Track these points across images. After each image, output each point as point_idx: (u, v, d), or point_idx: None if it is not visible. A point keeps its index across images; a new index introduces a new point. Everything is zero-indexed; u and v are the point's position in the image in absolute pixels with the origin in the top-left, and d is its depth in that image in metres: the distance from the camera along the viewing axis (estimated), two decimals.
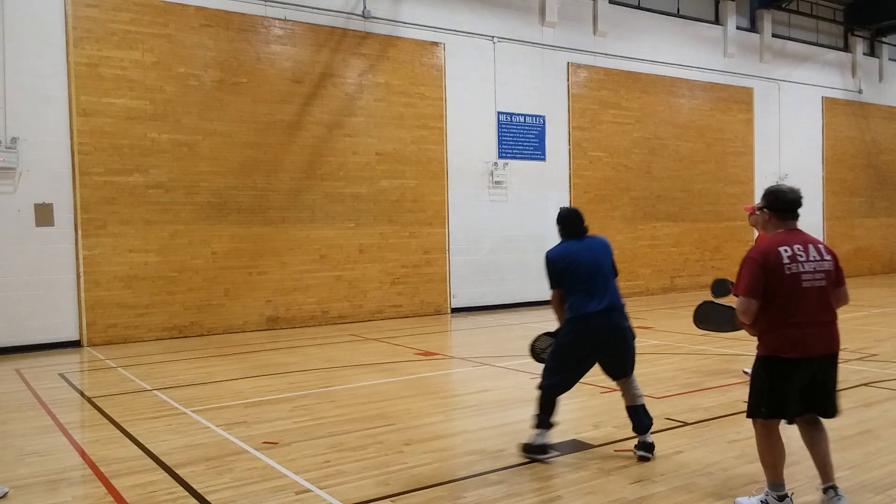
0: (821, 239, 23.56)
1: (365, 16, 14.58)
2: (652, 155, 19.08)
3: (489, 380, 8.51)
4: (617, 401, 7.15)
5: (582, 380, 8.40)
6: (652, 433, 5.46)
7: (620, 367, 5.39)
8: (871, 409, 6.58)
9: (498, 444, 5.81)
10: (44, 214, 11.74)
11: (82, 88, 11.98)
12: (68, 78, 11.89)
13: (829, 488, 4.22)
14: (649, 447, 5.33)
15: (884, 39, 24.75)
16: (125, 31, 12.33)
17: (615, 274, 5.41)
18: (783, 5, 21.65)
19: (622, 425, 6.23)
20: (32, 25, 11.67)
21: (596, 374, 8.63)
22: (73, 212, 11.96)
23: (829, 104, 23.37)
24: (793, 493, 4.36)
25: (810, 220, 22.81)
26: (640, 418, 5.38)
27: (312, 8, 14.10)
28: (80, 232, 12.00)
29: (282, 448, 5.81)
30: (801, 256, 4.09)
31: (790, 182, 21.58)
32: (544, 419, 5.41)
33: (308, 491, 4.82)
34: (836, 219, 23.58)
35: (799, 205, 4.27)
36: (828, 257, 4.17)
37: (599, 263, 5.34)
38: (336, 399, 7.62)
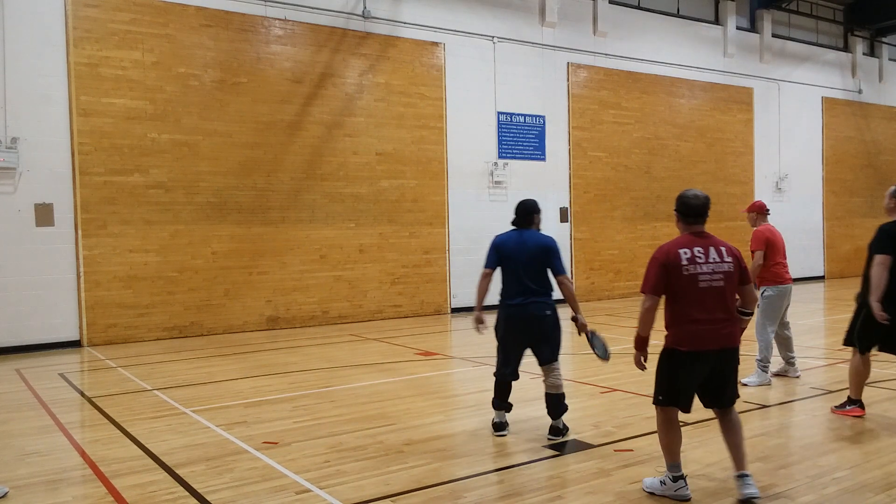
0: (823, 240, 23.71)
1: (365, 16, 14.58)
2: (652, 155, 19.09)
3: (489, 380, 8.42)
4: (616, 401, 7.19)
5: (581, 380, 8.47)
6: (652, 433, 5.53)
7: (540, 353, 5.93)
8: (870, 409, 6.57)
9: (498, 444, 5.81)
10: (44, 214, 11.74)
11: (82, 88, 11.98)
12: (68, 78, 11.89)
13: (741, 476, 4.45)
14: (557, 430, 5.91)
15: (884, 39, 24.75)
16: (125, 31, 12.33)
17: (557, 272, 5.86)
18: (783, 5, 21.66)
19: (622, 425, 6.27)
20: (33, 25, 11.67)
21: (594, 374, 8.64)
22: (74, 212, 11.96)
23: (828, 104, 23.38)
24: (687, 475, 4.62)
25: (810, 220, 22.83)
26: (558, 403, 5.93)
27: (312, 8, 14.11)
28: (80, 232, 12.00)
29: (282, 448, 5.81)
30: (699, 258, 4.37)
31: (789, 182, 21.76)
32: (496, 401, 6.13)
33: (308, 491, 4.82)
34: (837, 219, 23.59)
35: (703, 209, 4.52)
36: (728, 259, 4.42)
37: (521, 258, 5.83)
38: (336, 399, 7.63)
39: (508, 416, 6.29)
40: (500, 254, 5.93)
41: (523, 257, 5.83)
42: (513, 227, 6.05)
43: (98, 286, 12.14)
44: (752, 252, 7.80)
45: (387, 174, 14.99)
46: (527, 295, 5.83)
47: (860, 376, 6.35)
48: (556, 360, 5.96)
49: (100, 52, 12.11)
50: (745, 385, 7.64)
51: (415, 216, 15.35)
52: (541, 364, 5.97)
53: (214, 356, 10.83)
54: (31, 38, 11.65)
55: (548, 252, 5.85)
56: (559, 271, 5.85)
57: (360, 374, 9.14)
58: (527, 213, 6.02)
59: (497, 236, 6.06)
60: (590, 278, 17.94)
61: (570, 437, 5.93)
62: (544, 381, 5.97)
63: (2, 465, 5.57)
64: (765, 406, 6.95)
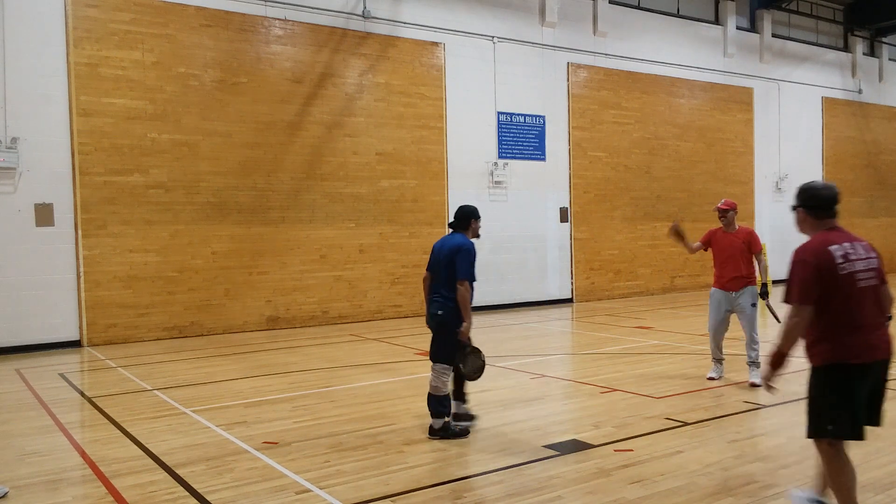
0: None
1: (365, 16, 14.60)
2: (652, 155, 19.11)
3: (489, 380, 8.46)
4: (616, 401, 7.21)
5: (581, 379, 8.52)
6: (652, 433, 5.65)
7: (432, 349, 6.26)
8: None
9: (498, 444, 5.84)
10: (44, 214, 11.76)
11: (82, 88, 12.00)
12: (68, 78, 11.91)
13: (820, 502, 4.18)
14: (433, 430, 6.07)
15: (883, 39, 24.81)
16: (125, 31, 12.35)
17: (462, 275, 5.94)
18: (783, 5, 21.70)
19: (622, 425, 6.29)
20: (33, 26, 11.69)
21: (594, 374, 8.67)
22: (74, 212, 11.98)
23: (828, 104, 23.41)
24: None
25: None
26: (430, 402, 6.11)
27: (312, 8, 14.12)
28: (80, 232, 12.02)
29: (282, 448, 5.84)
30: (851, 255, 3.83)
31: (789, 182, 21.77)
32: (453, 391, 6.37)
33: (308, 491, 4.84)
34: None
35: (836, 200, 4.01)
36: (873, 254, 3.94)
37: (438, 260, 6.14)
38: (336, 399, 7.66)
39: (508, 416, 6.30)
40: (431, 257, 6.31)
41: (440, 259, 6.11)
42: (450, 231, 6.32)
43: (98, 286, 12.15)
44: (760, 251, 7.89)
45: (387, 174, 15.01)
46: (433, 294, 6.17)
47: None
48: (438, 360, 6.08)
49: (100, 52, 12.13)
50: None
51: (415, 216, 15.36)
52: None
53: (214, 356, 10.86)
54: (32, 38, 11.67)
55: (453, 256, 5.98)
56: (458, 276, 5.93)
57: (360, 374, 9.17)
58: (463, 217, 6.23)
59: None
60: (590, 278, 17.95)
61: (570, 437, 5.94)
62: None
63: (2, 465, 5.59)
64: (764, 406, 6.98)
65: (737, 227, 7.99)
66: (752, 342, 7.82)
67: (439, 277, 6.11)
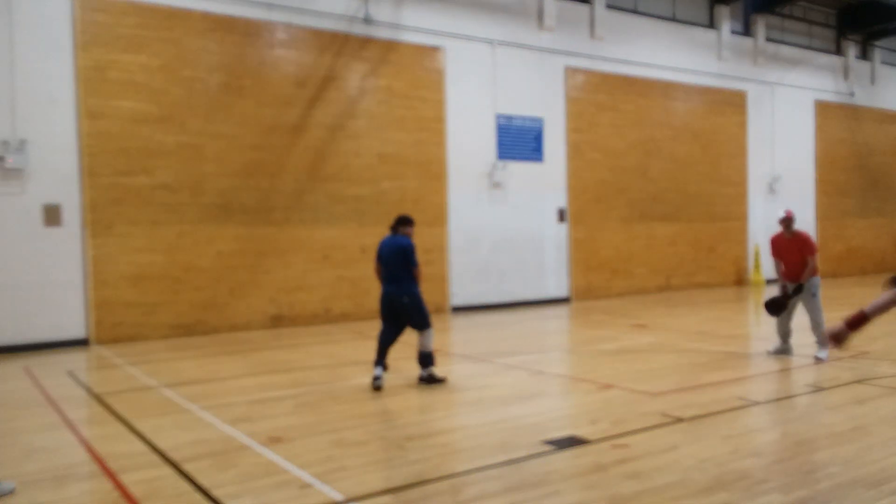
0: (814, 240, 23.76)
1: (367, 21, 14.76)
2: (648, 157, 19.32)
3: (488, 376, 8.65)
4: (613, 397, 7.38)
5: (579, 376, 8.75)
6: (647, 429, 5.83)
7: (413, 324, 8.15)
8: (863, 406, 6.75)
9: (497, 440, 5.92)
10: (52, 215, 11.91)
11: (90, 91, 12.14)
12: (76, 81, 12.05)
13: None
14: (422, 378, 8.16)
15: (876, 43, 25.01)
16: (132, 36, 12.49)
17: (411, 265, 8.04)
18: (777, 10, 21.92)
19: (619, 421, 6.41)
20: (41, 29, 11.82)
21: (592, 370, 8.86)
22: (81, 212, 12.12)
23: (821, 107, 23.63)
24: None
25: (803, 221, 23.05)
26: (421, 358, 8.16)
27: (315, 13, 14.29)
28: (87, 232, 12.17)
29: (286, 443, 5.89)
30: None
31: (782, 184, 22.02)
32: (376, 359, 8.04)
33: (311, 485, 4.90)
34: (829, 219, 23.86)
35: None
36: None
37: (388, 257, 8.06)
38: (339, 395, 7.74)
39: (508, 412, 6.46)
40: (381, 252, 8.20)
41: (392, 255, 8.04)
42: (392, 233, 8.24)
43: (105, 285, 12.30)
44: (812, 256, 9.38)
45: (388, 175, 15.18)
46: (391, 282, 8.09)
47: None
48: (423, 327, 8.12)
49: (107, 55, 12.28)
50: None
51: (416, 216, 15.44)
52: (416, 331, 8.19)
53: (219, 354, 10.96)
54: (40, 42, 11.81)
55: (406, 253, 8.02)
56: (413, 266, 8.07)
57: (362, 370, 9.23)
58: (401, 223, 8.21)
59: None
60: (587, 278, 18.16)
61: (567, 432, 6.06)
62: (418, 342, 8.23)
63: (9, 461, 5.61)
64: (758, 403, 7.10)
65: (794, 233, 9.45)
66: (815, 325, 9.28)
67: (393, 266, 8.02)
